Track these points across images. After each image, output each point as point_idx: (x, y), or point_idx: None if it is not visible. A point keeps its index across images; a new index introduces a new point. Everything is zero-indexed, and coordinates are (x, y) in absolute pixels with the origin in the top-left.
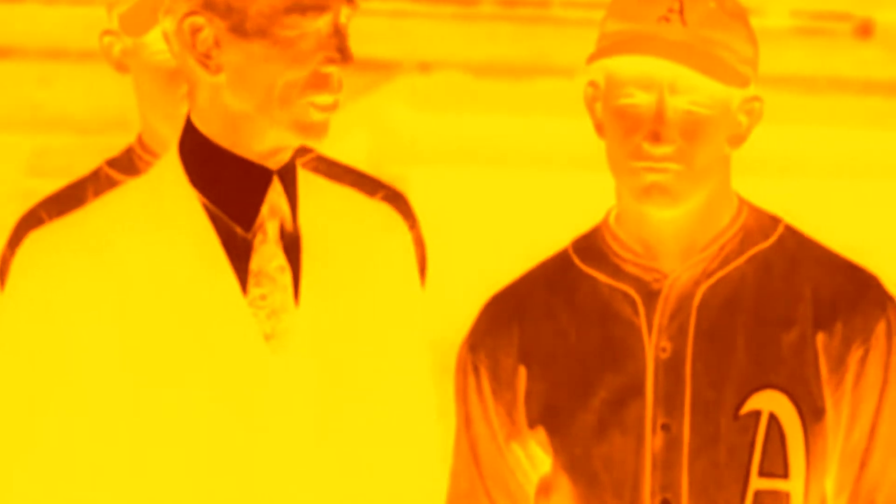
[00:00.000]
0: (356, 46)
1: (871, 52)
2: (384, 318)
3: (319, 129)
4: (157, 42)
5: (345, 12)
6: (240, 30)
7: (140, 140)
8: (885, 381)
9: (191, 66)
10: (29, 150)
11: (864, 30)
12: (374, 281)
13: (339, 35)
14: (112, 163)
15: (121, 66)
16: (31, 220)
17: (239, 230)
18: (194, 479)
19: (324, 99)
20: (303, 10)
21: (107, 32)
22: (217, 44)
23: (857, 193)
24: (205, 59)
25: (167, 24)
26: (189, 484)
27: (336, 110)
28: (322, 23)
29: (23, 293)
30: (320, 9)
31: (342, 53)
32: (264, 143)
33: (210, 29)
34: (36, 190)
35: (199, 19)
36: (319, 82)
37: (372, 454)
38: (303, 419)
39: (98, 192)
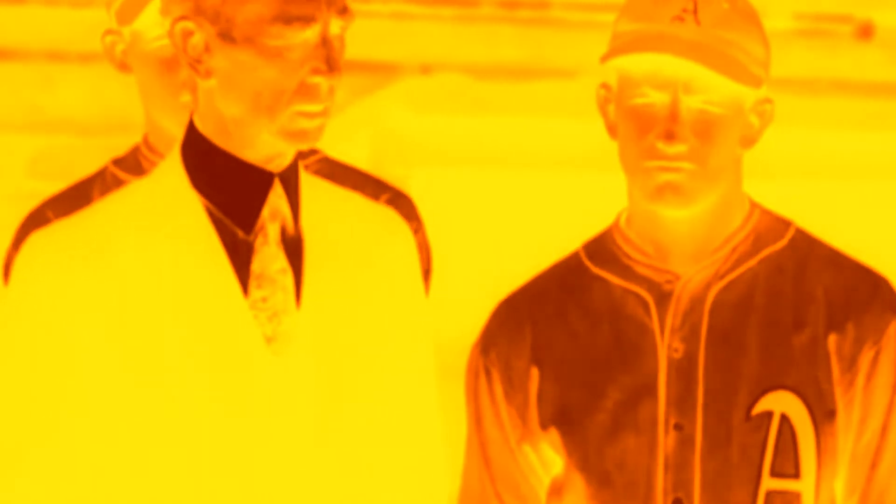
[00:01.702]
0: (357, 49)
1: (872, 53)
2: (386, 322)
3: (309, 136)
4: (151, 30)
5: (336, 23)
6: (228, 36)
7: (146, 140)
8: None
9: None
10: (30, 152)
11: (865, 32)
12: (376, 284)
13: (327, 46)
14: (118, 162)
15: (123, 66)
16: (36, 219)
17: (240, 233)
18: (196, 481)
19: (311, 108)
20: (287, 20)
21: (108, 32)
22: (207, 49)
23: (859, 195)
24: (195, 64)
25: (166, 26)
26: (191, 486)
27: (328, 117)
28: (310, 34)
29: (24, 293)
30: (306, 20)
31: (329, 65)
32: (256, 147)
33: (200, 34)
34: (37, 191)
35: (189, 24)
36: (306, 92)
37: (373, 457)
38: (304, 422)
39: (104, 192)
